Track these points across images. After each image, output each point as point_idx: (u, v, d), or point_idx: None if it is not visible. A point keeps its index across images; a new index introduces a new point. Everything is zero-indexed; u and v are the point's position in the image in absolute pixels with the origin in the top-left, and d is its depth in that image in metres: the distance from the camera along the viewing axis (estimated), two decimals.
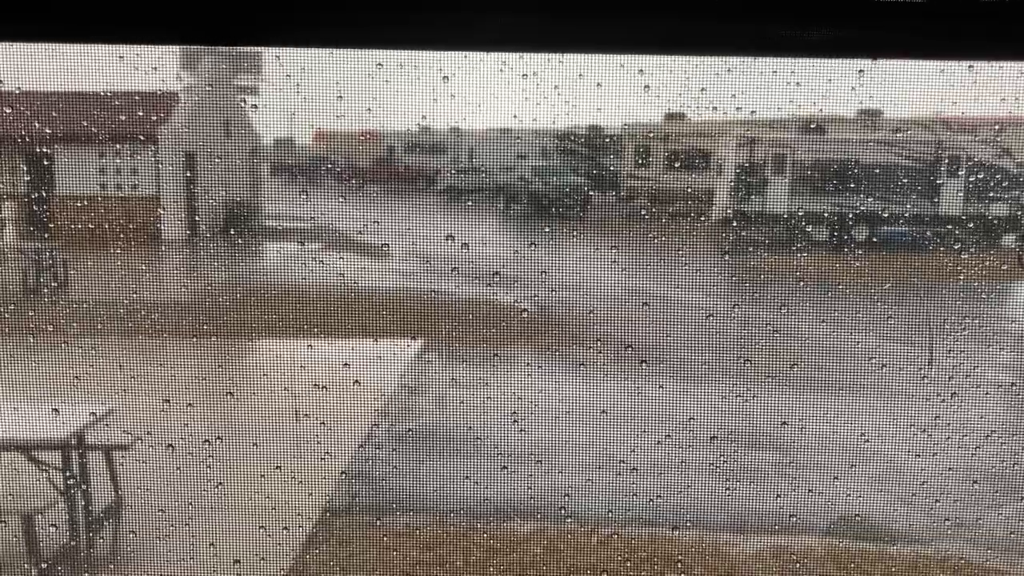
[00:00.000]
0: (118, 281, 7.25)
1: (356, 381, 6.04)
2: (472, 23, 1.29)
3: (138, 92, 6.85)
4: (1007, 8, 1.42)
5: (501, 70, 4.06)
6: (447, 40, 1.38)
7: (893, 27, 1.47)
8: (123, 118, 7.17)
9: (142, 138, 9.22)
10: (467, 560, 5.22)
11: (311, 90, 4.75)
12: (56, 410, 5.32)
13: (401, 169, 12.70)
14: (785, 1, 1.34)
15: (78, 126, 7.34)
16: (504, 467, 6.03)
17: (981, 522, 5.55)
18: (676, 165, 11.44)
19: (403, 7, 1.31)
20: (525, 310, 8.63)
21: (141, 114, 8.06)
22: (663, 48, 1.47)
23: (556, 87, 4.26)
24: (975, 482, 5.75)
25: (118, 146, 9.12)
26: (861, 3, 1.40)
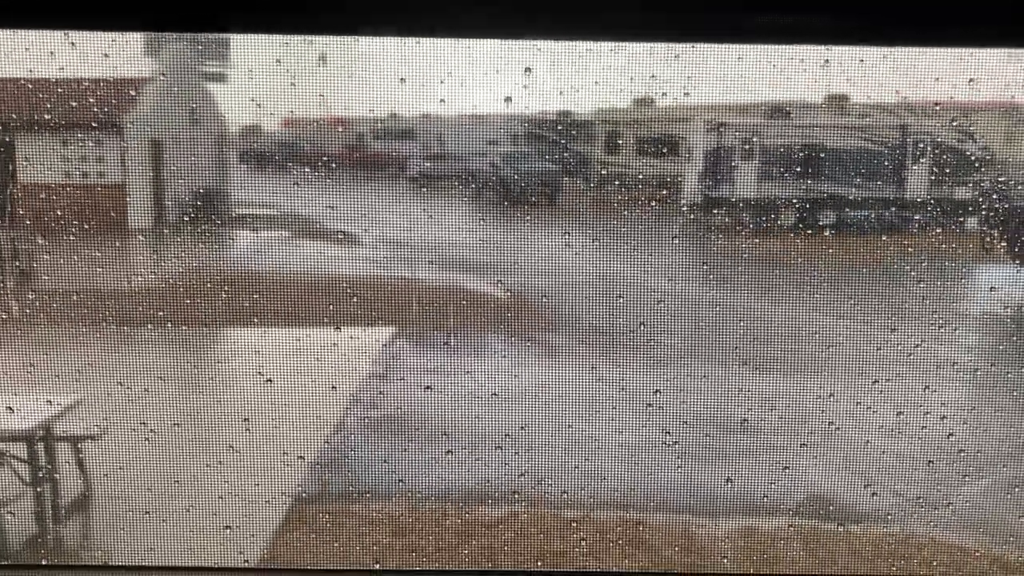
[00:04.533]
0: (84, 270, 7.16)
1: (326, 368, 6.03)
2: (447, 10, 1.30)
3: (103, 79, 6.74)
4: None
5: (472, 60, 4.06)
6: (419, 27, 1.38)
7: (850, 14, 1.49)
8: (87, 105, 7.08)
9: (107, 125, 9.10)
10: (439, 545, 5.24)
11: (280, 77, 4.72)
12: (20, 402, 5.28)
13: (371, 156, 12.63)
14: None
15: (41, 113, 7.23)
16: (477, 452, 6.06)
17: (944, 502, 5.66)
18: (645, 151, 11.49)
19: None
20: (497, 295, 8.65)
21: (106, 101, 7.94)
22: (629, 36, 1.49)
23: (526, 71, 4.27)
24: (936, 462, 5.86)
25: (82, 133, 8.99)
26: None
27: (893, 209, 9.93)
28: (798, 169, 10.49)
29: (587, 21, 1.34)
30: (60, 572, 2.55)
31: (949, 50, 1.77)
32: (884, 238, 9.75)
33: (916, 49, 1.65)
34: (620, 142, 11.60)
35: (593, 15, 1.34)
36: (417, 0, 1.34)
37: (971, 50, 2.08)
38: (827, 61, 2.84)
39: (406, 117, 12.74)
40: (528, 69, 3.98)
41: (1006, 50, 1.81)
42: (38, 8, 1.28)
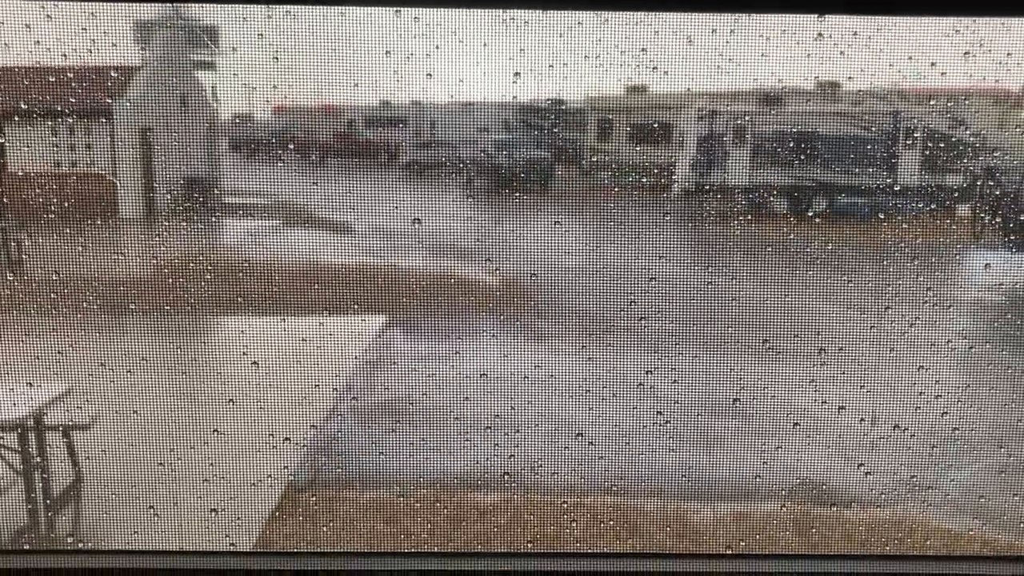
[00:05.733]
0: (74, 259, 7.12)
1: (318, 356, 6.01)
2: None
3: (91, 66, 6.69)
4: None
5: (461, 40, 4.03)
6: None
7: None
8: (76, 92, 7.03)
9: (96, 113, 9.05)
10: (432, 530, 5.24)
11: (270, 63, 4.69)
12: (10, 391, 5.26)
13: (362, 143, 12.58)
14: None
15: (28, 100, 7.17)
16: (468, 438, 6.06)
17: (937, 485, 5.68)
18: (637, 137, 11.48)
19: None
20: (490, 280, 8.64)
21: (95, 88, 7.89)
22: (620, 5, 1.47)
23: (514, 55, 4.25)
24: (932, 446, 5.87)
25: (71, 121, 8.93)
26: None
27: (887, 193, 9.94)
28: (791, 152, 10.49)
29: None
30: (52, 556, 2.53)
31: (943, 20, 1.75)
32: (878, 221, 9.75)
33: (909, 19, 1.63)
34: (611, 119, 11.58)
35: None
36: None
37: (966, 21, 2.07)
38: (820, 35, 2.82)
39: (397, 103, 12.70)
40: (520, 50, 3.97)
41: (1001, 19, 1.80)
42: None
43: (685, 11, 1.57)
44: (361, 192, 9.97)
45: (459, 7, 1.44)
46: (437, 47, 3.55)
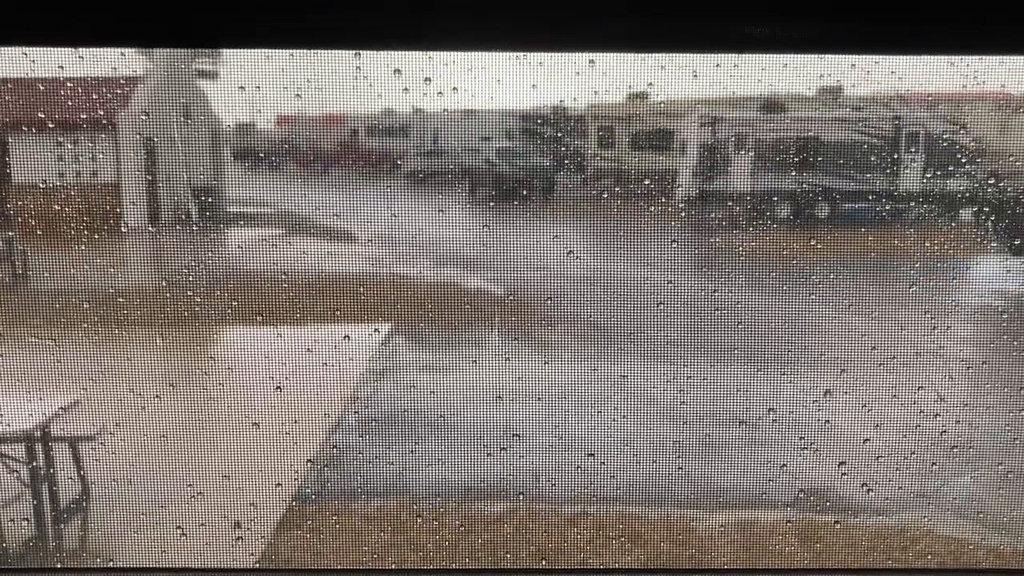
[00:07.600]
0: (80, 271, 7.16)
1: (324, 366, 6.04)
2: (449, 26, 1.31)
3: (96, 78, 6.73)
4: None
5: (476, 77, 4.07)
6: (423, 42, 1.39)
7: (840, 23, 1.50)
8: (81, 104, 7.07)
9: (100, 124, 9.09)
10: (438, 542, 5.26)
11: (273, 74, 4.72)
12: (17, 403, 5.29)
13: (366, 152, 12.62)
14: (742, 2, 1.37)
15: (34, 113, 7.21)
16: (473, 450, 6.08)
17: (940, 494, 5.69)
18: (639, 146, 11.50)
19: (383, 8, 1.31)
20: (505, 294, 8.66)
21: (99, 100, 7.93)
22: (626, 47, 1.50)
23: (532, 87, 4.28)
24: (935, 458, 5.89)
25: (76, 133, 8.97)
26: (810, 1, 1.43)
27: (885, 205, 9.96)
28: (793, 168, 10.51)
29: (586, 34, 1.36)
30: (58, 575, 2.56)
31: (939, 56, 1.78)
32: (878, 233, 9.77)
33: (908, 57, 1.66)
34: (614, 142, 11.62)
35: (592, 28, 1.37)
36: (421, 16, 1.35)
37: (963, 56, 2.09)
38: (821, 76, 2.84)
39: (400, 113, 12.74)
40: (534, 86, 4.02)
41: (998, 57, 1.83)
42: (40, 27, 1.30)
43: (691, 52, 1.60)
44: (365, 201, 9.99)
45: (476, 50, 1.48)
46: (455, 88, 3.58)
